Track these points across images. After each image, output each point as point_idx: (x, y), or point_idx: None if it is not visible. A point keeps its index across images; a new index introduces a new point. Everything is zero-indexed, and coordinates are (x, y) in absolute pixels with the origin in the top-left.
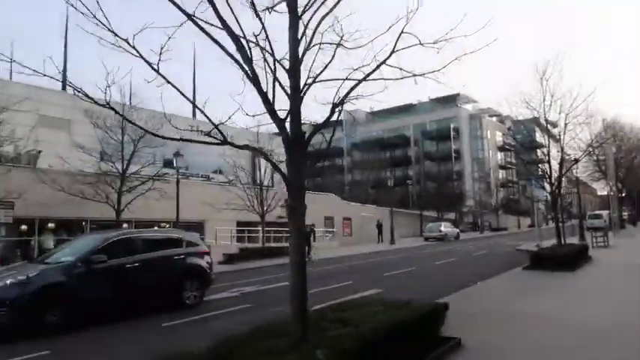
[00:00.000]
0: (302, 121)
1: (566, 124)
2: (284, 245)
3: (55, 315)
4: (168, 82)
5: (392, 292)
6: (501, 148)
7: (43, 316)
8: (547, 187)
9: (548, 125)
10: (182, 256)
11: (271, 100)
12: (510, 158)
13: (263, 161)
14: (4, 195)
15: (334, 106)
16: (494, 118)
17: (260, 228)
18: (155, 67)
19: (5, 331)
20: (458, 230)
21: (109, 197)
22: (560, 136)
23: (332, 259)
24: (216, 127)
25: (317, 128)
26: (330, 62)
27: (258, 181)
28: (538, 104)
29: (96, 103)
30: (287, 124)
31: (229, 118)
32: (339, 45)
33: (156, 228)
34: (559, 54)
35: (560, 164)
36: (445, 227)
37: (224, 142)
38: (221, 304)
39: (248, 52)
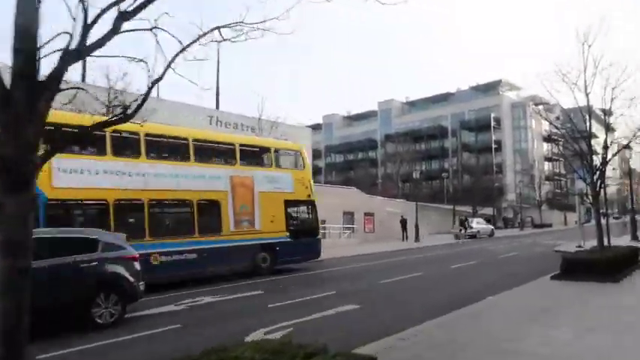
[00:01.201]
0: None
1: (612, 99)
2: None
3: None
4: None
5: (366, 310)
6: (547, 139)
7: None
8: (587, 177)
9: (593, 107)
10: (94, 263)
11: None
12: (558, 149)
13: None
14: None
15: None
16: (540, 107)
17: None
18: None
19: None
20: (492, 227)
21: None
22: (605, 117)
23: (340, 260)
24: None
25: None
26: None
27: None
28: (576, 76)
29: None
30: None
31: None
32: None
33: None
34: (605, 15)
35: (605, 148)
36: (478, 224)
37: None
38: (148, 322)
39: None
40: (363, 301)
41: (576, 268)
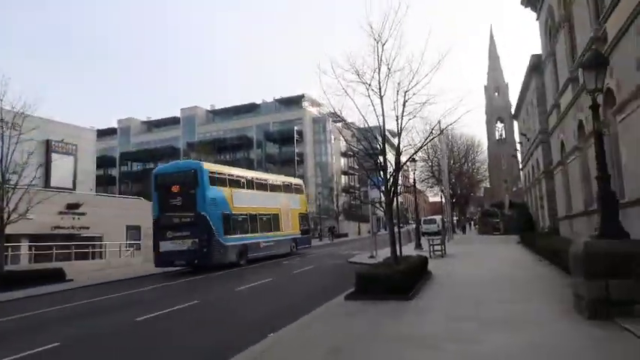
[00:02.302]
0: None
1: (405, 102)
2: (52, 266)
3: None
4: None
5: None
6: (344, 154)
7: None
8: (382, 185)
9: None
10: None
11: None
12: (354, 163)
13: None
14: None
15: None
16: (339, 124)
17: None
18: None
19: None
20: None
21: None
22: (398, 121)
23: (97, 289)
24: None
25: None
26: None
27: None
28: (370, 75)
29: None
30: None
31: None
32: None
33: None
34: (398, 10)
35: (397, 151)
36: None
37: None
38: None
39: None
40: None
41: (370, 285)
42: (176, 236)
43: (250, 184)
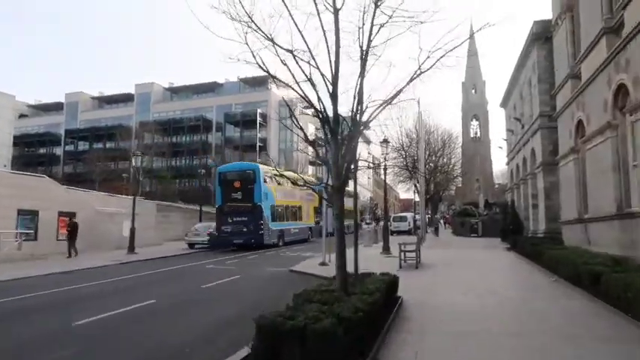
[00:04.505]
0: None
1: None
2: None
3: None
4: None
5: None
6: (312, 143)
7: None
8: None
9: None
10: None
11: None
12: (321, 153)
13: None
14: None
15: None
16: (310, 111)
17: None
18: None
19: None
20: None
21: None
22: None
23: None
24: None
25: None
26: None
27: None
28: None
29: None
30: None
31: None
32: None
33: None
34: None
35: (359, 96)
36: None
37: None
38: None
39: None
40: None
41: (284, 347)
42: (236, 221)
43: (285, 181)
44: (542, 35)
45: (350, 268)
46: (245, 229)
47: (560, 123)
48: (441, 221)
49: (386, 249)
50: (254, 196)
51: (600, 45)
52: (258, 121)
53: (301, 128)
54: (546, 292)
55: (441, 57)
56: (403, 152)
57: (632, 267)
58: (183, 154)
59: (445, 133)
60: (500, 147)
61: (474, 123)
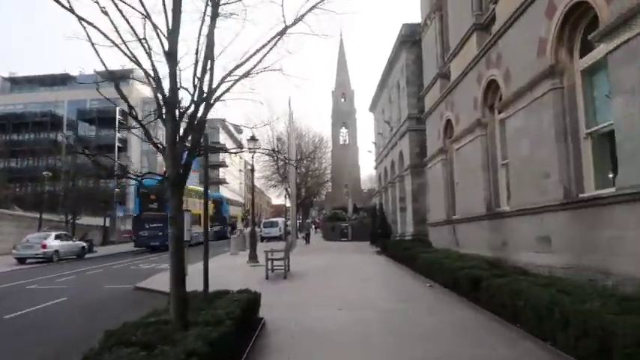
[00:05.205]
0: None
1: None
2: None
3: None
4: None
5: None
6: (137, 119)
7: None
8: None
9: None
10: None
11: None
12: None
13: None
14: None
15: None
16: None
17: None
18: None
19: None
20: (84, 244)
21: None
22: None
23: None
24: None
25: None
26: None
27: None
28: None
29: None
30: None
31: None
32: None
33: None
34: None
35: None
36: (52, 240)
37: None
38: None
39: None
40: None
41: None
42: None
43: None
44: (410, 38)
45: (199, 285)
46: None
47: (429, 124)
48: (312, 226)
49: (253, 257)
50: None
51: (470, 42)
52: (117, 119)
53: (126, 99)
54: (426, 301)
55: (310, 9)
56: (275, 155)
57: (509, 269)
58: (26, 155)
59: (316, 136)
60: (369, 151)
61: (344, 130)
